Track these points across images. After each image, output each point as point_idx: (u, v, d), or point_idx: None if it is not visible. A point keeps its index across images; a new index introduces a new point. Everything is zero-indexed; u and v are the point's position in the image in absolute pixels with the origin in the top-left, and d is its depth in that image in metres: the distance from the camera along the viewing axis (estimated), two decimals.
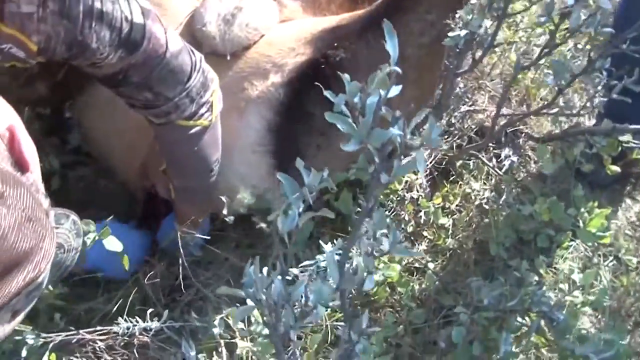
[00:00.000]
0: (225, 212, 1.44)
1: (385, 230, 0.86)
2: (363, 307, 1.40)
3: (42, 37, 1.03)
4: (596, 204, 1.50)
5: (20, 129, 0.90)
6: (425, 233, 1.60)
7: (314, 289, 0.81)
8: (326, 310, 0.83)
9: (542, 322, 1.23)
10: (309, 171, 0.80)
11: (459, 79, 1.46)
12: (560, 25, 1.14)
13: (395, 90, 0.71)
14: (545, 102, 1.81)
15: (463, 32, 1.12)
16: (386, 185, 0.78)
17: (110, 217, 1.38)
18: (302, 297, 0.83)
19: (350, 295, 1.29)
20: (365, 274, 0.86)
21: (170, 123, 1.23)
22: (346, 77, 0.74)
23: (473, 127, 1.73)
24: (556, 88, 1.21)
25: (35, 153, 0.95)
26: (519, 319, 1.29)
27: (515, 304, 1.21)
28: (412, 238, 1.61)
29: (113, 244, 1.27)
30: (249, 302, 0.85)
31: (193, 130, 1.25)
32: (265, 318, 0.80)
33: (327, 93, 0.74)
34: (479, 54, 1.33)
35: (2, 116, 0.92)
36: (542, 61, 1.32)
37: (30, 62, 1.08)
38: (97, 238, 1.27)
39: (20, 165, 0.84)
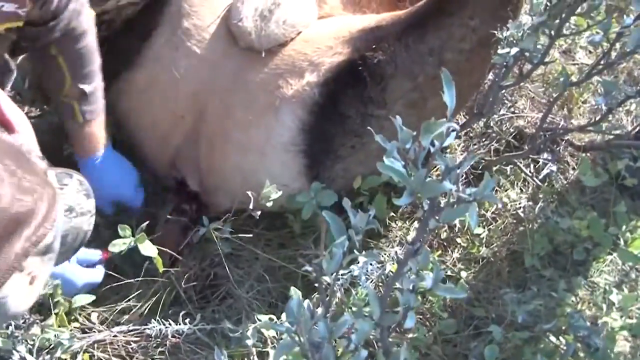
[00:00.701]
0: (251, 206, 1.44)
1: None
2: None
3: None
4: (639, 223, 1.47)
5: (3, 97, 0.88)
6: (459, 240, 1.58)
7: (358, 328, 0.80)
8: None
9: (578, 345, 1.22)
10: (356, 212, 0.78)
11: (503, 91, 1.42)
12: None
13: (449, 141, 0.68)
14: (588, 106, 1.77)
15: (513, 51, 1.08)
16: (433, 229, 0.76)
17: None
18: (344, 335, 0.82)
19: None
20: (407, 310, 0.85)
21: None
22: (398, 120, 0.72)
23: (512, 131, 1.68)
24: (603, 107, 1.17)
25: (23, 118, 0.93)
26: (553, 338, 1.28)
27: (551, 326, 1.20)
28: (445, 245, 1.59)
29: (149, 249, 1.27)
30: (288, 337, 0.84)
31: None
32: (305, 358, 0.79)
33: (378, 138, 0.72)
34: (526, 65, 1.29)
35: None
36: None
37: (21, 17, 1.10)
38: (132, 244, 1.28)
39: (5, 125, 0.84)
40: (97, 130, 1.43)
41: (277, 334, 1.33)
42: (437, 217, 0.73)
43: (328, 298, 0.80)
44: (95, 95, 1.40)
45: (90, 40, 1.34)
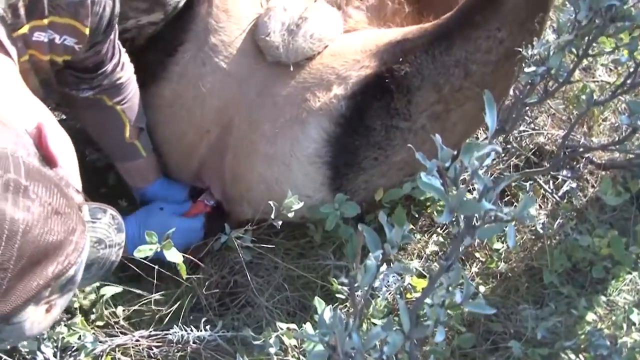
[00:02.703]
0: (273, 216, 1.45)
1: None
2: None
3: (94, 18, 1.14)
4: None
5: (50, 125, 0.90)
6: (477, 255, 1.59)
7: (389, 341, 0.82)
8: None
9: None
10: (392, 226, 0.80)
11: (527, 108, 1.43)
12: None
13: (488, 161, 0.70)
14: (608, 124, 1.78)
15: (540, 70, 1.09)
16: (467, 246, 0.78)
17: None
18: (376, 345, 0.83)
19: None
20: (436, 325, 0.87)
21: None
22: (438, 139, 0.74)
23: (531, 147, 1.70)
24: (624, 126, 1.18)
25: (67, 149, 0.95)
26: (572, 355, 1.28)
27: (571, 344, 1.20)
28: (463, 259, 1.60)
29: (174, 256, 1.28)
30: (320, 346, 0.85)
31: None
32: None
33: (418, 155, 0.73)
34: (550, 83, 1.30)
35: (32, 113, 0.93)
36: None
37: (77, 51, 1.16)
38: (159, 249, 1.29)
39: (48, 160, 0.84)
40: (154, 156, 1.56)
41: (298, 343, 1.34)
42: (472, 235, 0.74)
43: (360, 309, 0.82)
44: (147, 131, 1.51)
45: (135, 84, 1.43)
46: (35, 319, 0.81)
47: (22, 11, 1.02)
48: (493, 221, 0.71)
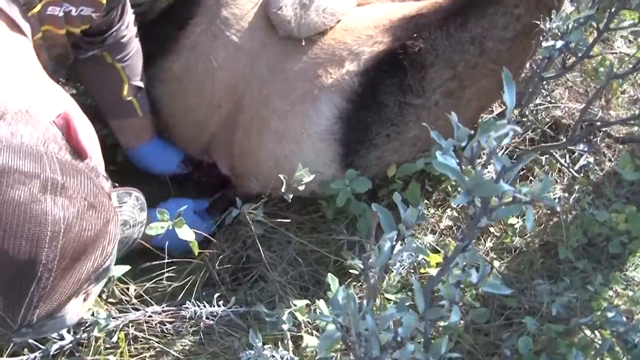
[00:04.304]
0: (283, 190, 1.44)
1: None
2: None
3: None
4: None
5: (75, 114, 0.90)
6: (492, 229, 1.58)
7: (403, 322, 0.81)
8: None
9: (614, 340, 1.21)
10: (406, 206, 0.78)
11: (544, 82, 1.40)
12: None
13: (506, 140, 0.68)
14: (627, 96, 1.74)
15: (559, 44, 1.06)
16: (484, 227, 0.76)
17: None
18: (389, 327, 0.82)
19: None
20: (452, 305, 0.86)
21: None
22: (454, 118, 0.72)
23: (548, 120, 1.67)
24: None
25: (93, 136, 0.96)
26: (588, 331, 1.27)
27: (587, 321, 1.19)
28: (478, 234, 1.58)
29: (186, 233, 1.28)
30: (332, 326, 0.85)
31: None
32: (348, 348, 0.80)
33: (434, 134, 0.71)
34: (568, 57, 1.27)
35: (57, 102, 0.92)
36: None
37: (95, 19, 1.16)
38: (170, 227, 1.29)
39: (79, 152, 0.85)
40: (150, 117, 1.55)
41: (311, 318, 1.34)
42: (489, 216, 0.73)
43: (374, 291, 0.81)
44: (146, 89, 1.50)
45: (137, 41, 1.42)
46: (75, 309, 0.83)
47: None
48: (511, 203, 0.69)
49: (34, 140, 0.78)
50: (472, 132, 0.70)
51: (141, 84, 1.47)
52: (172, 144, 1.65)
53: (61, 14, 1.08)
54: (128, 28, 1.37)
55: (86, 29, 1.19)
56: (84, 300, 0.85)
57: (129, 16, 1.37)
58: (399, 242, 0.85)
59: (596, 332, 1.25)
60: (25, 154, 0.76)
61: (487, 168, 1.47)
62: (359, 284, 1.49)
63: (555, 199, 1.58)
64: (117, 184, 0.94)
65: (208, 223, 1.56)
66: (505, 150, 1.65)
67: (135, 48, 1.42)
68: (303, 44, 1.46)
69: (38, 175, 0.75)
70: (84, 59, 1.34)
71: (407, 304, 0.88)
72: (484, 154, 0.71)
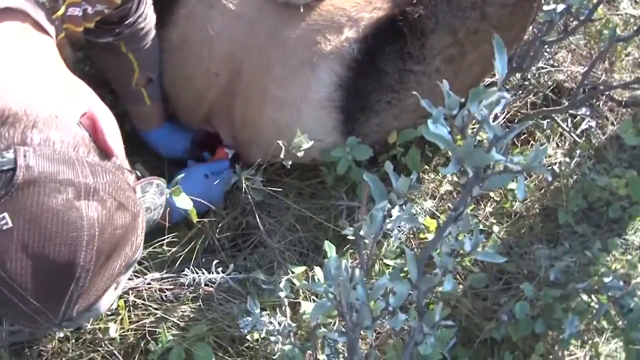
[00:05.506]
0: (282, 156, 1.44)
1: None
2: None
3: None
4: None
5: (99, 111, 0.92)
6: (492, 194, 1.57)
7: (396, 291, 0.81)
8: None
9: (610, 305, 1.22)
10: (398, 175, 0.77)
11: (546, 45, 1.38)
12: None
13: (498, 109, 0.67)
14: (631, 59, 1.71)
15: (560, 7, 1.04)
16: (476, 196, 0.76)
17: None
18: (381, 297, 0.83)
19: None
20: (445, 274, 0.86)
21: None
22: (445, 85, 0.70)
23: (550, 84, 1.64)
24: None
25: (116, 130, 0.98)
26: (585, 296, 1.28)
27: (584, 286, 1.19)
28: (477, 198, 1.58)
29: (184, 202, 1.28)
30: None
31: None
32: (341, 317, 0.80)
33: (424, 102, 0.70)
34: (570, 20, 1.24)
35: (82, 100, 0.93)
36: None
37: (106, 13, 1.20)
38: (169, 195, 1.29)
39: (105, 152, 0.89)
40: (160, 107, 1.59)
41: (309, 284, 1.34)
42: (481, 185, 0.72)
43: (367, 260, 0.81)
44: (159, 80, 1.54)
45: (154, 37, 1.45)
46: (109, 298, 0.88)
47: None
48: (503, 172, 0.68)
49: (65, 146, 0.83)
50: (464, 100, 0.69)
51: (153, 76, 1.51)
52: (180, 128, 1.66)
53: (80, 14, 1.11)
54: (145, 21, 1.40)
55: (99, 19, 1.22)
56: (115, 289, 0.90)
57: (148, 8, 1.39)
58: (397, 208, 0.84)
59: (593, 296, 1.25)
60: (58, 161, 0.80)
61: (480, 136, 1.46)
62: (357, 251, 1.49)
63: (555, 163, 1.57)
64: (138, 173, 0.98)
65: (220, 186, 1.56)
66: (506, 115, 1.64)
67: (151, 41, 1.45)
68: (301, 10, 1.44)
69: (72, 181, 0.80)
70: (100, 44, 1.37)
71: (402, 274, 0.88)
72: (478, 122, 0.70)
